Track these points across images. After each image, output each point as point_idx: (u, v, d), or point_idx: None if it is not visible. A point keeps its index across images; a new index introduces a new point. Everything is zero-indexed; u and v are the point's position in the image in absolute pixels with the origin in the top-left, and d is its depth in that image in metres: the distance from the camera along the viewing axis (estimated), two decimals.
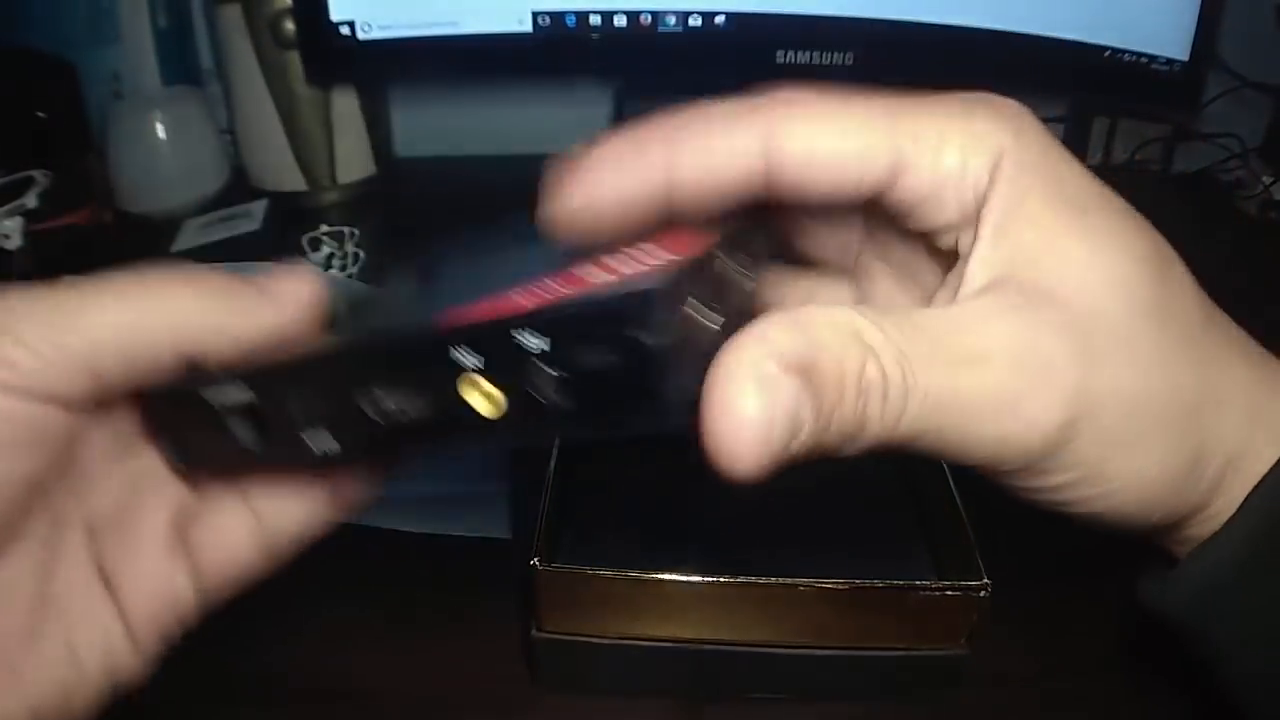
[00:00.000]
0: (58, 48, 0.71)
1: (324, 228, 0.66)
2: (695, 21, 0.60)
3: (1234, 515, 0.21)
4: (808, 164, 0.19)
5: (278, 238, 0.65)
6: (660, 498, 0.38)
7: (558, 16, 0.60)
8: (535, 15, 0.59)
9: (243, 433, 0.19)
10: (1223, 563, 0.21)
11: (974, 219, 0.19)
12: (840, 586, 0.30)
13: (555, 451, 0.34)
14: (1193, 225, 0.79)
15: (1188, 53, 0.64)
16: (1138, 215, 0.20)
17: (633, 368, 0.15)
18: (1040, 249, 0.19)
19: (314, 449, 0.19)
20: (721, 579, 0.30)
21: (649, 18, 0.60)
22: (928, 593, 0.30)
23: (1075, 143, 0.84)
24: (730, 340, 0.16)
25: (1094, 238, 0.19)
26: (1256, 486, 0.21)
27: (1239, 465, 0.21)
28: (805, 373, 0.16)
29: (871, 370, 0.16)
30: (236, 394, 0.19)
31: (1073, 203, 0.19)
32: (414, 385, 0.17)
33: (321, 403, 0.18)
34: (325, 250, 0.63)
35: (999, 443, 0.18)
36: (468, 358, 0.16)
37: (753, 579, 0.30)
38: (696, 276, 0.17)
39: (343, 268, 0.62)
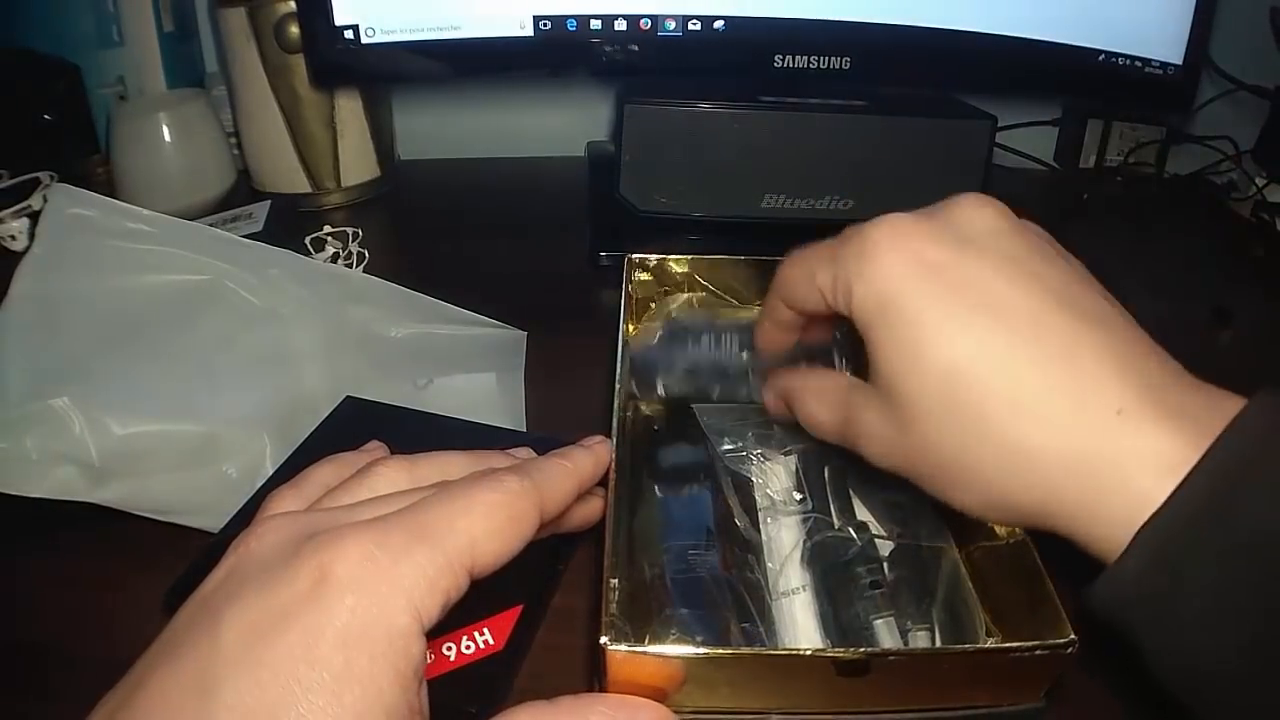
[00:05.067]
0: (63, 51, 0.72)
1: (328, 229, 0.66)
2: (694, 26, 0.61)
3: (1130, 545, 0.24)
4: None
5: (280, 239, 0.66)
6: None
7: (559, 20, 0.60)
8: (536, 19, 0.60)
9: None
10: (1125, 585, 0.25)
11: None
12: (931, 653, 0.30)
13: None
14: (1186, 227, 0.80)
15: (1182, 56, 0.65)
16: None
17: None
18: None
19: None
20: (800, 650, 0.30)
21: (649, 22, 0.61)
22: (1017, 654, 0.29)
23: (1069, 145, 0.85)
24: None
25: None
26: (1150, 521, 0.24)
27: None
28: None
29: None
30: None
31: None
32: None
33: None
34: (329, 251, 0.64)
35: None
36: None
37: (833, 651, 0.29)
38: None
39: (348, 268, 0.62)
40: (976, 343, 0.27)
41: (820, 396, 0.33)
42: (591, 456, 0.30)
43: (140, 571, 0.38)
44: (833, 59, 0.62)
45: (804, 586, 0.37)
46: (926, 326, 0.27)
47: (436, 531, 0.23)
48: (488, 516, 0.24)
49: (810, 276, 0.31)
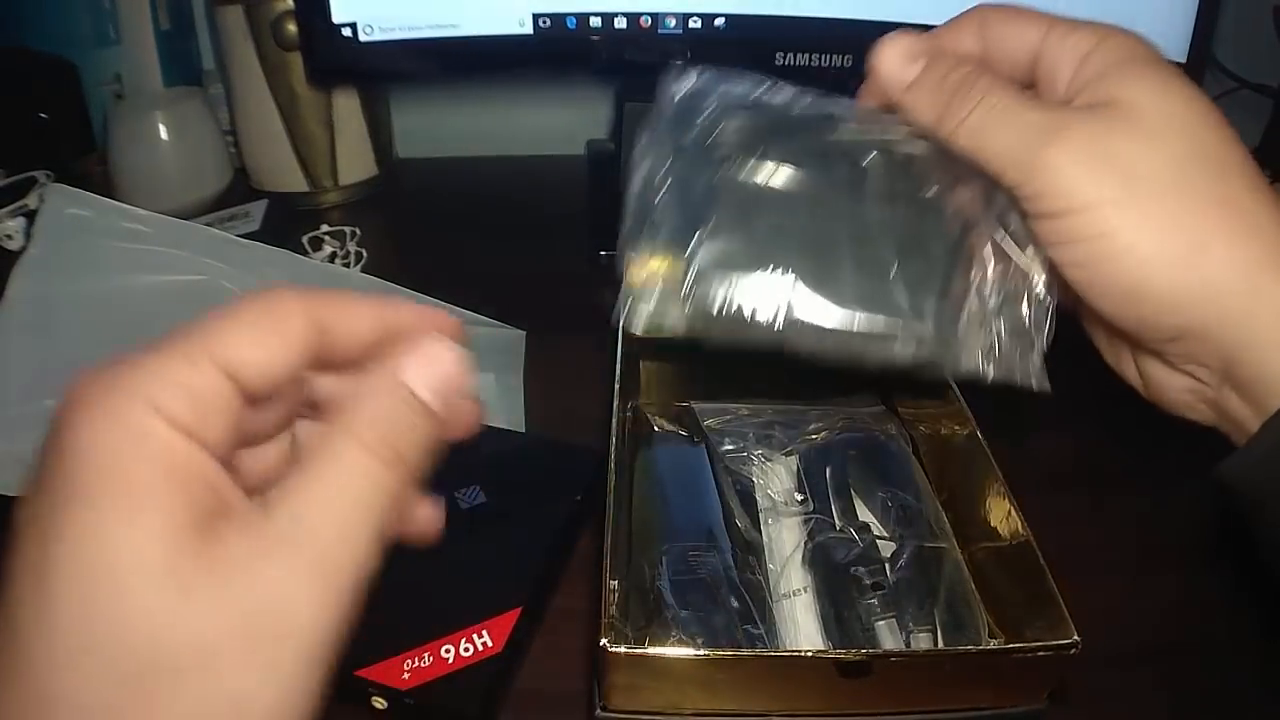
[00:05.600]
0: (60, 49, 0.71)
1: (325, 227, 0.66)
2: (695, 24, 0.60)
3: None
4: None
5: (277, 238, 0.66)
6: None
7: (558, 18, 0.60)
8: (536, 17, 0.60)
9: None
10: (1252, 466, 0.26)
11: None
12: (934, 654, 0.30)
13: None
14: None
15: (1185, 55, 0.65)
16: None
17: None
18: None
19: None
20: (802, 652, 0.30)
21: (649, 20, 0.60)
22: (1020, 655, 0.29)
23: None
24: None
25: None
26: None
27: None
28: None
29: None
30: None
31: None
32: None
33: None
34: (327, 249, 0.64)
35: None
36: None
37: (835, 652, 0.29)
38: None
39: (345, 267, 0.62)
40: (1222, 162, 0.26)
41: (1012, 116, 0.27)
42: (420, 306, 0.26)
43: None
44: (834, 57, 0.62)
45: (805, 588, 0.37)
46: (1201, 124, 0.26)
47: (169, 340, 0.22)
48: (231, 315, 0.22)
49: (1032, 28, 0.29)
